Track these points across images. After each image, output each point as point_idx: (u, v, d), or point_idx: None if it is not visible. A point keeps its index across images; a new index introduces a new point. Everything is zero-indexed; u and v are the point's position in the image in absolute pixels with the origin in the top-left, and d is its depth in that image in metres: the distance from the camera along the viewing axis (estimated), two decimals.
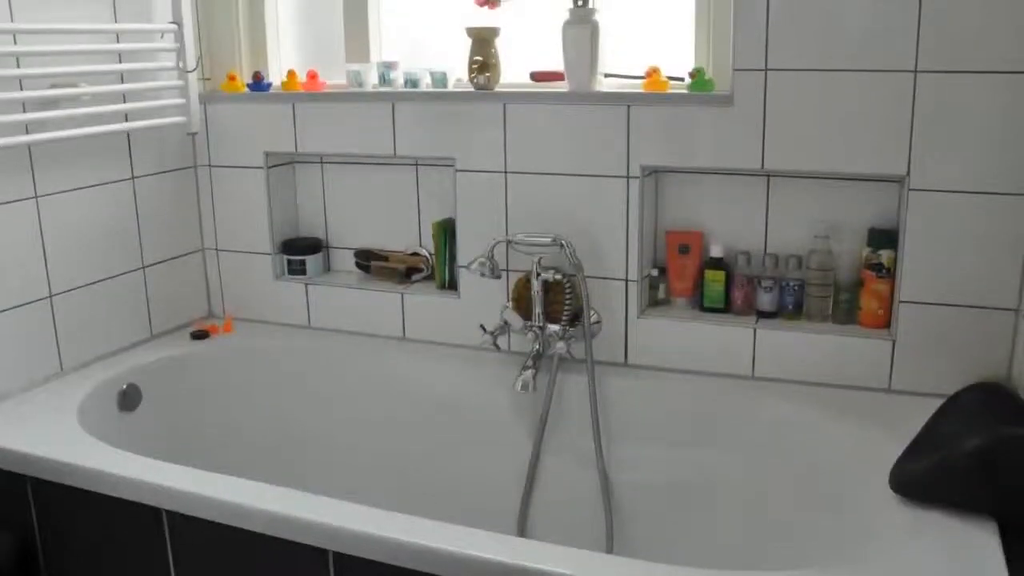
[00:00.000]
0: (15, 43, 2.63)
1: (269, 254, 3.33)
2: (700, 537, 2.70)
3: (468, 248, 3.00)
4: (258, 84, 3.23)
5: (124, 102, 2.94)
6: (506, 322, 2.94)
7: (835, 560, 2.12)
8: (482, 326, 2.94)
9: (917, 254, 2.53)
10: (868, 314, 2.69)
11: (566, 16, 2.76)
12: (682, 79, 2.77)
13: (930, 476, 2.01)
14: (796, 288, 2.76)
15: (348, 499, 2.12)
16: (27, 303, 2.76)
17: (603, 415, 2.80)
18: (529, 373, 2.78)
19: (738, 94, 2.60)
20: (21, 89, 2.65)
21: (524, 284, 2.91)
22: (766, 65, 2.55)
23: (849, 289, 2.72)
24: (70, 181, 2.85)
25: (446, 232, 3.11)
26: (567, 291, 2.80)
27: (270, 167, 3.27)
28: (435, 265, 3.19)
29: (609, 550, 2.81)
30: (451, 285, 3.15)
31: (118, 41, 2.94)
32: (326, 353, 3.18)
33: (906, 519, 2.00)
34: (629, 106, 2.72)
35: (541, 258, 2.81)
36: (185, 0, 3.01)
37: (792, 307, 2.77)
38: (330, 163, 3.33)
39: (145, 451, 2.41)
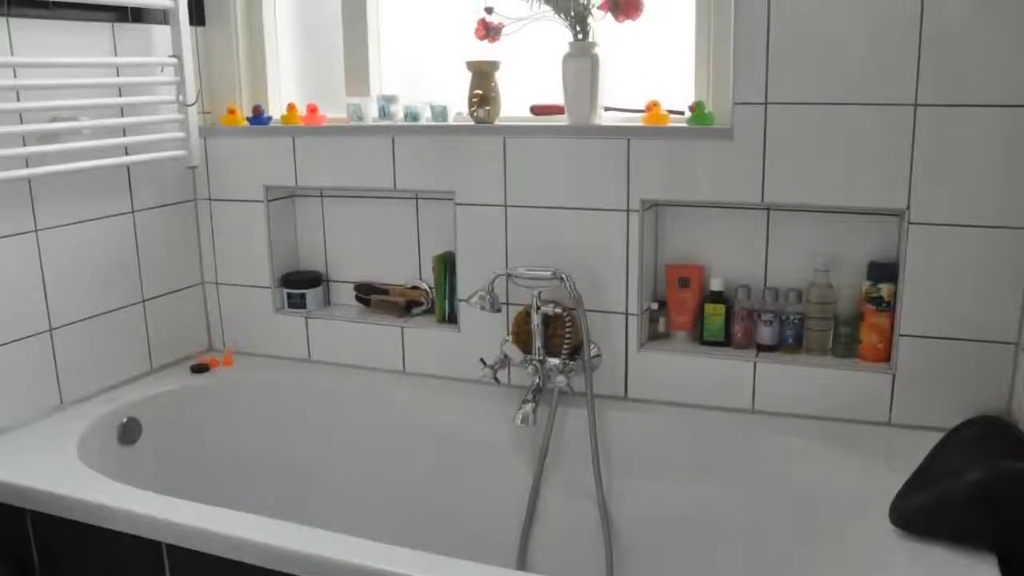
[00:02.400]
0: (15, 77, 2.65)
1: (269, 288, 3.33)
2: (700, 571, 2.69)
3: (468, 282, 3.00)
4: (258, 118, 3.24)
5: (124, 136, 2.95)
6: (506, 356, 2.94)
7: None
8: (482, 360, 2.94)
9: (917, 287, 2.53)
10: (868, 347, 2.69)
11: (566, 49, 2.78)
12: (682, 112, 2.78)
13: (930, 510, 2.01)
14: (796, 322, 2.76)
15: (348, 532, 2.11)
16: (27, 337, 2.76)
17: (603, 448, 2.79)
18: (529, 407, 2.78)
19: (738, 128, 2.61)
20: (21, 123, 2.65)
21: (524, 318, 2.91)
22: (766, 99, 2.56)
23: (849, 322, 2.72)
24: (70, 215, 2.86)
25: (446, 265, 3.11)
26: (567, 325, 2.80)
27: (270, 201, 3.28)
28: (435, 298, 3.19)
29: None
30: (451, 319, 3.15)
31: (118, 75, 2.95)
32: (326, 387, 3.18)
33: (906, 553, 1.99)
34: (629, 139, 2.72)
35: (541, 292, 2.81)
36: (185, 34, 3.03)
37: (792, 340, 2.77)
38: (330, 196, 3.34)
39: (145, 485, 2.39)
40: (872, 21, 2.42)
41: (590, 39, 2.76)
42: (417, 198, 3.20)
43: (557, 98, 2.85)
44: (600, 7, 2.70)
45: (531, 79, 2.99)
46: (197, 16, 3.21)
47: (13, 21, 2.62)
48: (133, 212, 3.08)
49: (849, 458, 2.46)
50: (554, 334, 2.85)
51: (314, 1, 3.35)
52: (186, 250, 3.34)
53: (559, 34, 2.78)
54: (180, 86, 3.06)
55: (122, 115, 2.96)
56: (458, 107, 3.04)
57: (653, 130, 2.73)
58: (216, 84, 3.35)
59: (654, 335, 2.96)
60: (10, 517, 2.43)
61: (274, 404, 3.17)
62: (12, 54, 2.63)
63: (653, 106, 2.77)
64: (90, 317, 2.96)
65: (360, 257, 3.35)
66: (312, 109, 3.21)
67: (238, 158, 3.26)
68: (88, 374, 2.97)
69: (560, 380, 2.80)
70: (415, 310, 3.24)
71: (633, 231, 2.77)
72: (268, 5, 3.33)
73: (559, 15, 2.74)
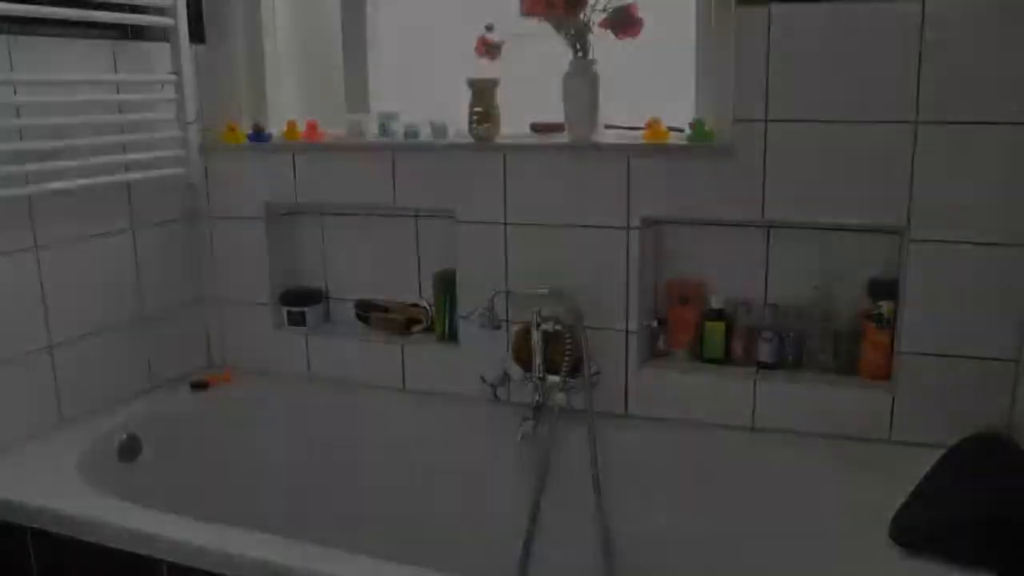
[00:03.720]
0: (15, 94, 2.64)
1: (269, 305, 3.33)
2: None
3: (468, 299, 3.00)
4: (258, 135, 3.24)
5: (124, 153, 2.94)
6: (506, 373, 2.94)
7: None
8: (482, 377, 2.94)
9: (917, 305, 2.53)
10: (868, 365, 2.69)
11: (566, 67, 2.78)
12: (682, 130, 2.78)
13: (931, 527, 2.01)
14: (796, 339, 2.76)
15: (348, 549, 2.11)
16: (27, 353, 2.75)
17: (603, 466, 2.78)
18: (529, 424, 2.78)
19: (738, 145, 2.61)
20: (21, 140, 2.65)
21: (524, 335, 2.91)
22: (766, 116, 2.56)
23: (849, 340, 2.72)
24: (70, 232, 2.85)
25: (446, 283, 3.11)
26: (567, 342, 2.80)
27: (270, 218, 3.28)
28: (435, 316, 3.19)
29: None
30: (451, 336, 3.14)
31: (118, 92, 2.95)
32: (326, 404, 3.18)
33: (907, 570, 1.99)
34: (629, 157, 2.73)
35: (541, 309, 2.81)
36: (185, 51, 3.03)
37: (792, 358, 2.77)
38: (330, 214, 3.34)
39: (145, 502, 2.39)
40: (872, 38, 2.43)
41: (590, 56, 2.76)
42: (417, 215, 3.20)
43: (557, 116, 2.86)
44: (600, 24, 2.70)
45: (531, 97, 2.99)
46: (197, 34, 3.20)
47: (13, 39, 2.62)
48: (133, 229, 3.07)
49: (849, 475, 2.46)
50: (554, 351, 2.84)
51: (314, 18, 3.36)
52: (186, 267, 3.34)
53: (560, 52, 2.78)
54: (180, 103, 3.05)
55: (122, 133, 2.96)
56: (458, 124, 3.04)
57: (653, 148, 2.73)
58: (216, 101, 3.34)
59: (654, 352, 2.96)
60: (10, 535, 2.42)
61: (274, 421, 3.17)
62: (12, 71, 2.63)
63: (653, 123, 2.77)
64: (90, 334, 2.95)
65: (360, 274, 3.35)
66: (312, 126, 3.21)
67: (238, 175, 3.26)
68: (88, 391, 2.96)
69: (560, 397, 2.79)
70: (415, 327, 3.24)
71: (633, 248, 2.78)
72: (268, 23, 3.33)
73: (559, 33, 2.75)
